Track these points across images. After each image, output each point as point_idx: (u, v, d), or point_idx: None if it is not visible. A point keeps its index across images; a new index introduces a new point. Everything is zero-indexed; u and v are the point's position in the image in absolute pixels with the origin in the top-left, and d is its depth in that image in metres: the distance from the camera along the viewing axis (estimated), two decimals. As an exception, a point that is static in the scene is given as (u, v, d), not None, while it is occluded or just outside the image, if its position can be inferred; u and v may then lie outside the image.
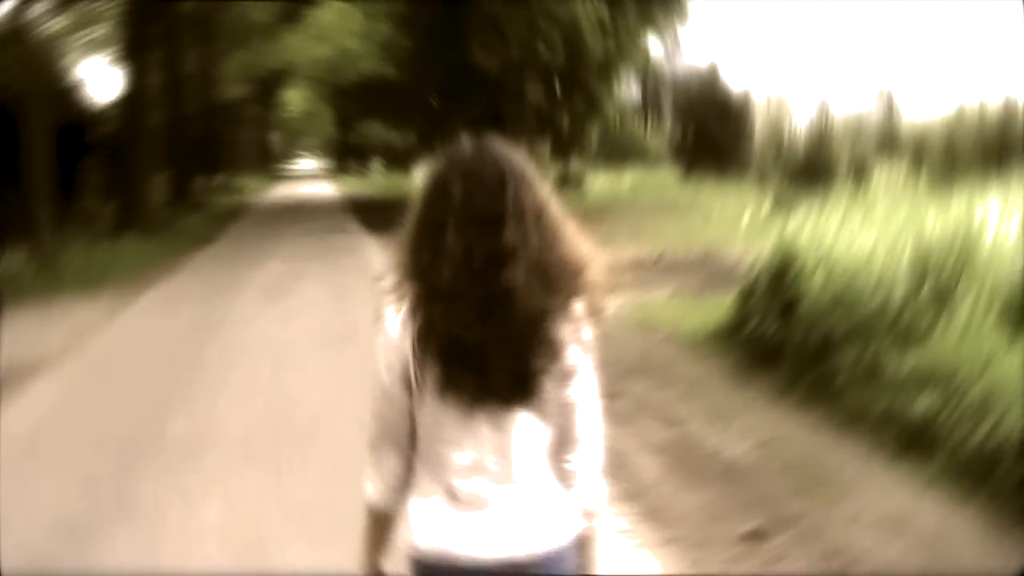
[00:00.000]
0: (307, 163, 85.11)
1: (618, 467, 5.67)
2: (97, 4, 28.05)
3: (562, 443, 2.14)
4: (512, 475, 2.10)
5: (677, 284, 13.05)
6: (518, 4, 23.55)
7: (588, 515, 2.21)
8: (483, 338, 1.98)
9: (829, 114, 36.07)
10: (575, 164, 31.65)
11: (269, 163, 61.41)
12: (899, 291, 7.01)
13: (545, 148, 29.71)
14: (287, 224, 24.08)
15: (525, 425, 2.08)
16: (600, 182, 32.21)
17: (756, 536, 4.69)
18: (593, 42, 25.07)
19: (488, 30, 23.65)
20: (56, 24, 28.10)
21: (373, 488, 2.23)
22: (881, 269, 7.36)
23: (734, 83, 38.75)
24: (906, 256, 7.39)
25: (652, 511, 5.05)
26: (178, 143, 30.61)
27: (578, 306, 2.09)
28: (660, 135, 41.60)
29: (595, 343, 2.14)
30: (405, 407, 2.11)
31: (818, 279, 7.63)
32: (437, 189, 2.08)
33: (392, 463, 2.20)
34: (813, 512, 4.96)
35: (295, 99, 65.95)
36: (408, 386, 2.07)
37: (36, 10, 25.24)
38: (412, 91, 31.35)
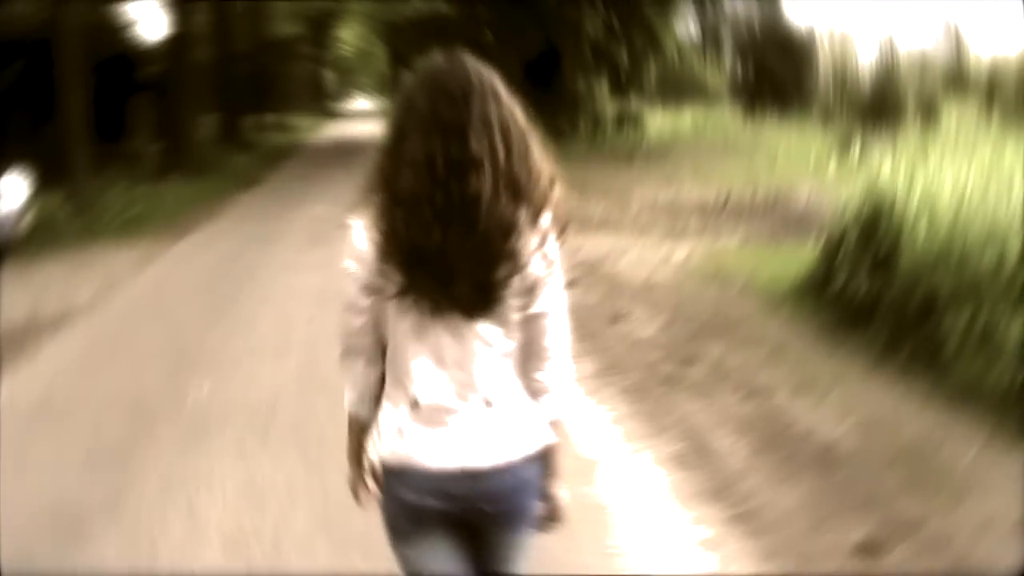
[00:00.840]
0: (361, 102, 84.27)
1: (697, 451, 4.90)
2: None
3: (529, 356, 2.16)
4: (473, 385, 2.12)
5: (747, 230, 12.18)
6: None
7: (554, 425, 2.23)
8: (444, 244, 1.99)
9: (894, 50, 34.55)
10: (633, 102, 30.51)
11: (322, 102, 60.56)
12: (1014, 243, 6.09)
13: (602, 84, 28.76)
14: (337, 164, 23.29)
15: (487, 336, 2.10)
16: (659, 120, 31.07)
17: (871, 548, 3.87)
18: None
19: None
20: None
21: (348, 397, 2.29)
22: (991, 217, 6.43)
23: (796, 18, 37.23)
24: (1018, 202, 6.46)
25: (743, 513, 4.24)
26: (228, 81, 29.91)
27: (544, 219, 2.09)
28: (719, 72, 40.17)
29: (561, 256, 2.14)
30: (371, 317, 2.15)
31: (919, 229, 6.71)
32: (405, 101, 2.10)
33: (361, 373, 2.25)
34: (934, 514, 4.14)
35: (348, 37, 65.31)
36: (372, 295, 2.11)
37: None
38: (465, 26, 30.36)
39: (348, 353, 2.25)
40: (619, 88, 29.04)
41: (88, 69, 14.73)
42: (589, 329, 7.31)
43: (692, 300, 8.20)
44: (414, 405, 2.13)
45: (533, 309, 2.11)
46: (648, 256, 10.45)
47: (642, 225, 12.69)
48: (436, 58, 2.14)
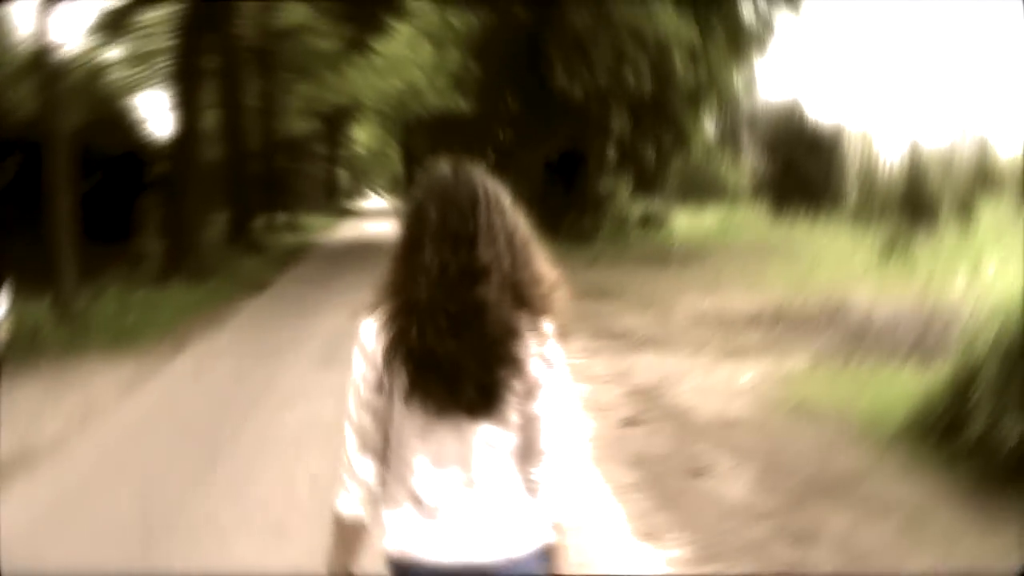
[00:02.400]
0: (374, 201, 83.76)
1: None
2: (151, 34, 26.62)
3: (527, 455, 2.24)
4: (473, 483, 2.20)
5: (813, 347, 10.71)
6: (604, 25, 21.44)
7: (557, 528, 2.27)
8: (455, 350, 2.11)
9: (920, 149, 33.52)
10: (657, 202, 29.38)
11: (335, 201, 59.84)
12: None
13: (625, 185, 27.68)
14: (350, 266, 22.01)
15: (486, 435, 2.19)
16: (682, 221, 29.88)
17: None
18: (683, 69, 22.99)
19: (573, 53, 21.53)
20: (106, 54, 26.86)
21: (348, 499, 2.30)
22: None
23: (820, 115, 36.32)
24: None
25: None
26: (238, 180, 28.90)
27: (546, 324, 2.20)
28: (738, 170, 39.12)
29: (564, 361, 2.22)
30: (379, 416, 2.24)
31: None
32: (415, 211, 2.24)
33: (368, 473, 2.29)
34: None
35: (362, 135, 65.12)
36: (380, 395, 2.22)
37: (84, 42, 24.28)
38: (483, 125, 29.45)
39: (357, 453, 2.28)
40: (643, 187, 27.94)
41: (77, 169, 13.48)
42: (667, 489, 5.91)
43: (784, 445, 6.74)
44: (416, 501, 2.21)
45: (532, 410, 2.20)
46: (710, 382, 9.03)
47: (692, 341, 11.26)
48: (444, 169, 2.26)
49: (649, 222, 27.88)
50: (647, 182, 27.70)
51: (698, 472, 6.20)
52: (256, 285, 18.67)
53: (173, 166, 20.70)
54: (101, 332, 12.11)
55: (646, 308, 13.97)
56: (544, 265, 2.25)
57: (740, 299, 14.50)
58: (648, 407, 8.00)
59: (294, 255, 26.75)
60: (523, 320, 2.16)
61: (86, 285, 14.03)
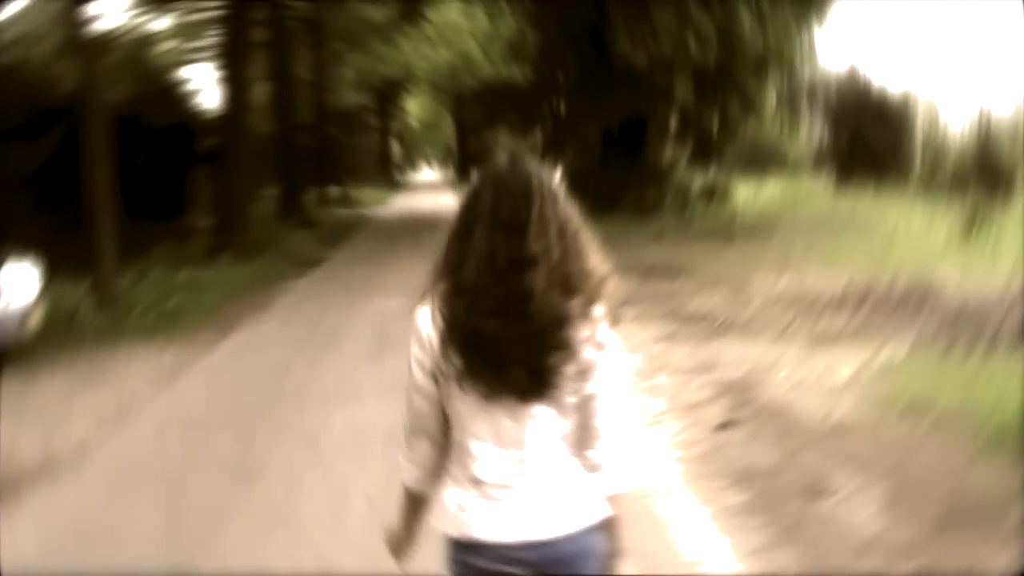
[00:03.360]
0: (428, 173, 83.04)
1: None
2: (200, 5, 25.91)
3: (584, 436, 2.29)
4: (530, 464, 2.25)
5: (906, 333, 9.73)
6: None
7: (613, 500, 2.34)
8: (499, 332, 2.16)
9: (990, 117, 32.01)
10: (719, 173, 28.29)
11: (388, 174, 59.19)
12: None
13: (687, 156, 26.69)
14: (405, 241, 21.22)
15: (542, 417, 2.23)
16: (743, 192, 28.76)
17: None
18: (750, 34, 21.91)
19: (637, 18, 20.51)
20: (155, 26, 26.25)
21: (407, 473, 2.43)
22: None
23: (882, 84, 34.88)
24: None
25: None
26: (289, 153, 28.21)
27: (597, 310, 2.22)
28: (798, 140, 37.75)
29: (618, 344, 2.26)
30: (435, 399, 2.30)
31: None
32: (471, 198, 2.29)
33: (423, 451, 2.38)
34: None
35: (415, 107, 64.56)
36: (436, 378, 2.27)
37: (131, 13, 23.64)
38: (540, 93, 28.54)
39: (414, 433, 2.38)
40: (706, 158, 26.91)
41: (122, 143, 12.74)
42: (782, 514, 4.99)
43: (908, 456, 5.80)
44: (475, 483, 2.27)
45: (586, 392, 2.25)
46: (804, 374, 8.07)
47: (775, 326, 10.32)
48: (501, 160, 2.34)
49: (712, 194, 26.84)
50: (710, 152, 26.70)
51: (816, 492, 5.26)
52: (307, 262, 17.97)
53: (221, 140, 20.02)
54: (142, 316, 11.44)
55: (720, 287, 13.02)
56: (594, 257, 2.28)
57: (817, 278, 13.50)
58: (741, 406, 7.08)
59: (346, 230, 26.04)
60: (573, 307, 2.19)
61: (131, 265, 13.43)
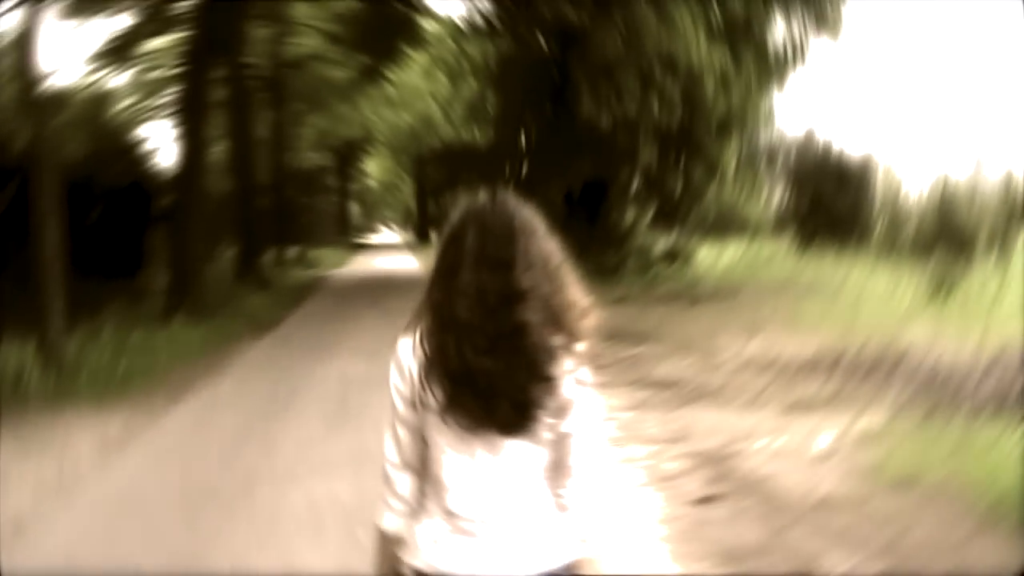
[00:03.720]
0: (388, 235, 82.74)
1: None
2: (158, 62, 25.66)
3: (557, 472, 2.32)
4: (505, 497, 2.27)
5: (883, 399, 9.46)
6: (634, 52, 20.31)
7: (583, 542, 2.33)
8: (492, 369, 2.18)
9: (948, 181, 32.20)
10: (679, 236, 28.14)
11: (347, 235, 58.82)
12: None
13: (649, 218, 26.56)
14: (364, 303, 20.86)
15: (519, 452, 2.26)
16: (704, 255, 28.59)
17: None
18: (714, 96, 21.92)
19: (601, 81, 20.41)
20: (112, 83, 25.94)
21: (388, 514, 2.39)
22: None
23: (841, 147, 35.07)
24: None
25: None
26: (247, 213, 27.80)
27: (579, 346, 2.28)
28: (758, 203, 37.78)
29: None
30: (417, 430, 2.31)
31: None
32: (452, 237, 2.29)
33: (406, 485, 2.37)
34: None
35: (374, 168, 64.50)
36: (416, 411, 2.28)
37: (88, 70, 23.30)
38: (501, 155, 28.37)
39: (396, 466, 2.36)
40: (668, 220, 26.78)
41: (78, 201, 12.31)
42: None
43: (901, 530, 5.48)
44: (449, 515, 2.28)
45: (562, 428, 2.27)
46: (782, 444, 7.77)
47: (747, 392, 10.04)
48: (481, 197, 2.32)
49: (674, 257, 26.67)
50: (673, 215, 26.58)
51: (809, 573, 4.94)
52: (264, 324, 17.50)
53: (177, 198, 19.57)
54: (91, 380, 10.92)
55: (687, 352, 12.74)
56: (578, 290, 2.31)
57: (786, 342, 13.25)
58: (720, 478, 6.74)
59: (305, 291, 25.60)
60: (558, 342, 2.22)
61: (82, 324, 12.92)
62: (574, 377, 2.26)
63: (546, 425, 2.24)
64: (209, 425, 9.22)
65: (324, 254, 42.56)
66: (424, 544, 2.30)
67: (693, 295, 20.54)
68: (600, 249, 24.87)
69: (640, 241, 26.54)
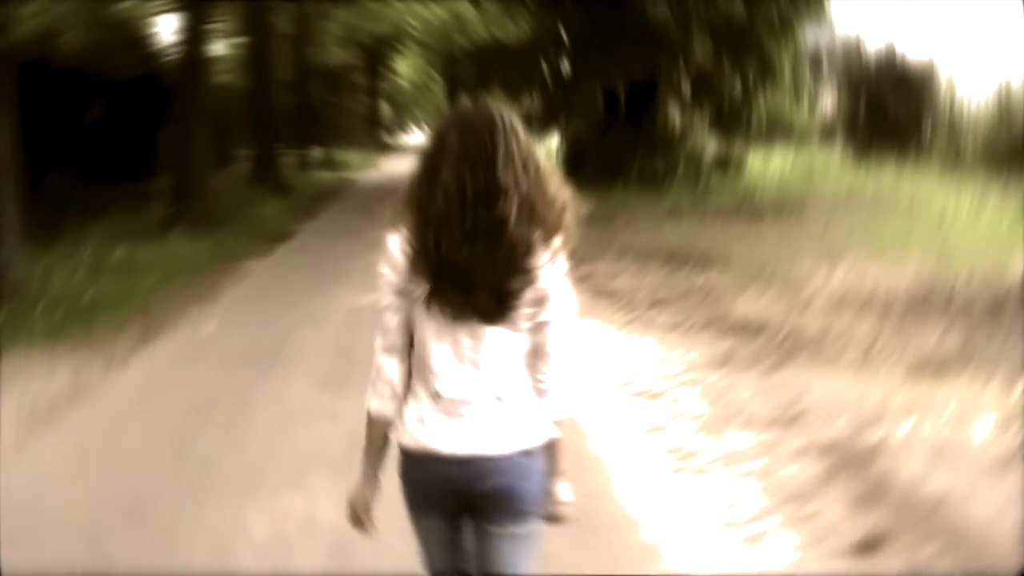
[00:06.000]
0: (417, 136, 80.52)
1: None
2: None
3: (536, 357, 2.44)
4: (487, 382, 2.39)
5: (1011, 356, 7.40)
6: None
7: (557, 423, 2.48)
8: (470, 260, 2.29)
9: (1010, 89, 29.68)
10: (732, 142, 25.78)
11: (376, 136, 56.63)
12: None
13: (700, 123, 24.33)
14: (387, 210, 18.76)
15: (499, 339, 2.38)
16: (754, 163, 26.21)
17: None
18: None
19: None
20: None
21: (375, 398, 2.50)
22: None
23: (902, 53, 32.63)
24: None
25: None
26: (264, 113, 25.66)
27: (556, 239, 2.38)
28: (806, 109, 35.16)
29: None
30: (403, 319, 2.43)
31: None
32: (437, 138, 2.42)
33: (392, 372, 2.47)
34: None
35: (405, 68, 62.29)
36: (403, 299, 2.40)
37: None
38: (539, 52, 25.99)
39: (384, 353, 2.47)
40: (722, 125, 24.51)
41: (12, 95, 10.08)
42: None
43: None
44: (435, 397, 2.40)
45: (541, 317, 2.39)
46: (938, 433, 5.66)
47: (856, 343, 7.93)
48: (465, 102, 2.45)
49: (727, 165, 24.39)
50: (727, 119, 24.27)
51: None
52: (273, 236, 15.61)
53: (179, 95, 17.42)
54: (48, 312, 9.00)
55: (764, 283, 10.63)
56: (557, 187, 2.41)
57: (875, 271, 11.09)
58: (872, 495, 4.69)
59: (325, 197, 23.69)
60: (537, 234, 2.32)
61: (65, 238, 11.06)
62: (552, 269, 2.35)
63: (525, 314, 2.35)
64: (174, 386, 7.13)
65: (351, 156, 40.54)
66: (412, 424, 2.42)
67: (753, 209, 18.30)
68: (646, 155, 22.76)
69: (690, 147, 24.28)
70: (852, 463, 5.11)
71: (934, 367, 7.21)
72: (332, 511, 4.29)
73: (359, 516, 2.55)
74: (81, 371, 7.43)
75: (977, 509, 4.48)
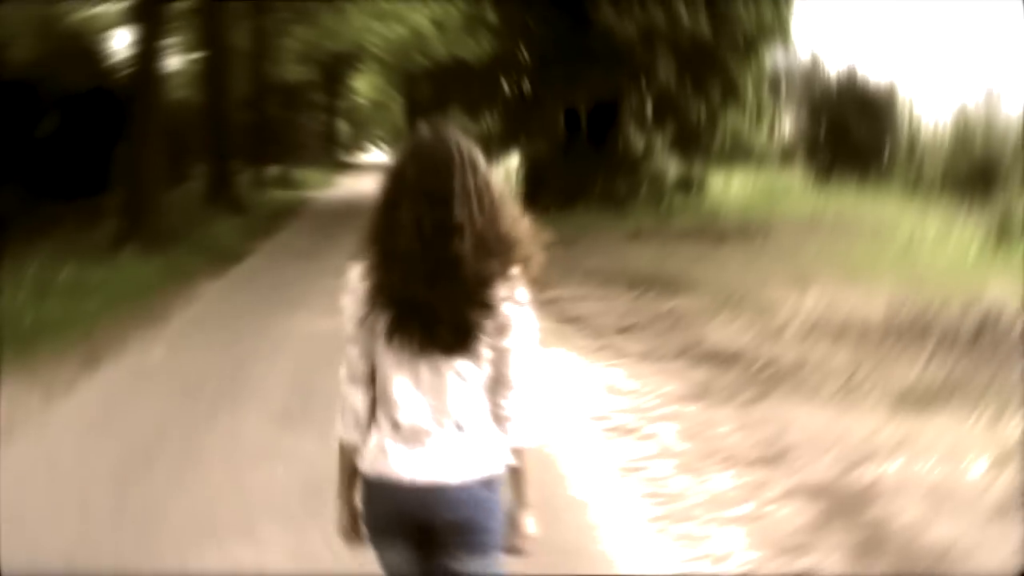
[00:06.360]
0: (376, 155, 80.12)
1: None
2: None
3: (498, 385, 2.45)
4: (447, 411, 2.40)
5: (1004, 381, 7.16)
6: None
7: (517, 452, 2.49)
8: (431, 297, 2.32)
9: (968, 112, 29.81)
10: (694, 164, 25.60)
11: (333, 154, 56.14)
12: None
13: (660, 143, 24.16)
14: (347, 230, 18.28)
15: (460, 369, 2.40)
16: (713, 186, 26.01)
17: None
18: (743, 11, 19.48)
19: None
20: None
21: (342, 425, 2.54)
22: None
23: (864, 75, 32.78)
24: None
25: None
26: (219, 129, 25.14)
27: (514, 271, 2.39)
28: (765, 130, 35.14)
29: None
30: (365, 349, 2.45)
31: None
32: (396, 171, 2.44)
33: (356, 402, 2.50)
34: None
35: (363, 86, 62.24)
36: (365, 330, 2.41)
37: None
38: (502, 70, 25.76)
39: (348, 383, 2.51)
40: (683, 147, 24.35)
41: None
42: None
43: None
44: (396, 427, 2.42)
45: (502, 345, 2.41)
46: (929, 474, 5.36)
47: (835, 374, 7.64)
48: (423, 132, 2.48)
49: (688, 186, 24.20)
50: (689, 140, 24.11)
51: None
52: (227, 256, 15.12)
53: (132, 110, 16.93)
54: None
55: (735, 309, 10.33)
56: (514, 220, 2.43)
57: (846, 297, 10.81)
58: (868, 547, 4.36)
59: (282, 216, 23.22)
60: (494, 267, 2.35)
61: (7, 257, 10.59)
62: (511, 299, 2.37)
63: (486, 343, 2.38)
64: (117, 412, 6.74)
65: (308, 175, 40.01)
66: (374, 452, 2.43)
67: (717, 231, 18.04)
68: (609, 176, 22.53)
69: (653, 168, 24.10)
70: (845, 507, 4.78)
71: (918, 399, 6.93)
72: (284, 563, 3.91)
73: (349, 534, 2.62)
74: (18, 402, 6.96)
75: (984, 560, 4.15)
